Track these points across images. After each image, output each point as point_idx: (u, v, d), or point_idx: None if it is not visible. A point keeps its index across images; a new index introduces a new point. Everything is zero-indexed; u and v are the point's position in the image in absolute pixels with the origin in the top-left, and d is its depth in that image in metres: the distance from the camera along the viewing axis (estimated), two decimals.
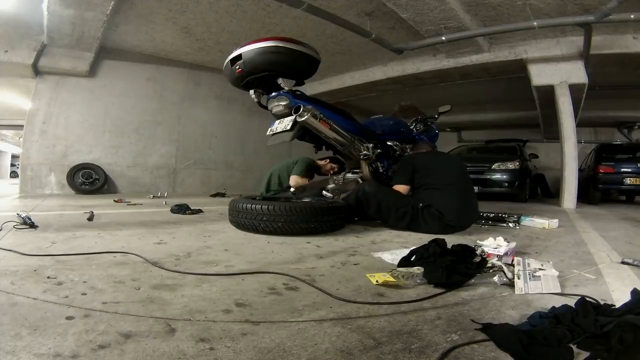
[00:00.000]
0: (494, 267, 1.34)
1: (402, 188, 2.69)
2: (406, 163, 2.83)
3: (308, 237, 2.13)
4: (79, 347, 0.73)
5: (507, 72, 6.41)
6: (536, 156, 8.55)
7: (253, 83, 2.77)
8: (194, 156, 7.34)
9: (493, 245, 1.58)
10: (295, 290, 1.16)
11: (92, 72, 6.14)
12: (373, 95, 8.32)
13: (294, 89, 2.77)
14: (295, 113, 2.54)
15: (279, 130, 2.68)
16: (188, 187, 7.19)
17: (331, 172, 3.74)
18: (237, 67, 2.63)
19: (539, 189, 9.09)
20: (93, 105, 6.27)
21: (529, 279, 1.20)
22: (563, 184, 5.68)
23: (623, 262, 1.63)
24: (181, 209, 3.35)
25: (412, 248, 1.54)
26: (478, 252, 1.43)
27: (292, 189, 3.40)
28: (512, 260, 1.36)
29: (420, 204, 2.48)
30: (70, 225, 2.40)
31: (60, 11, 4.55)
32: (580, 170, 6.27)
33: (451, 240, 1.69)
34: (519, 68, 6.01)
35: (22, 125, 6.19)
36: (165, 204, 4.10)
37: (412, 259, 1.44)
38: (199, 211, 3.41)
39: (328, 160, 3.85)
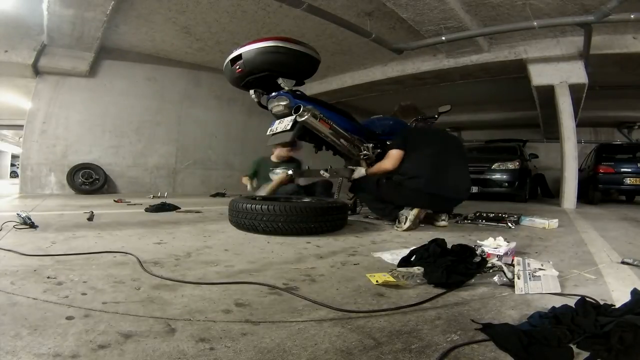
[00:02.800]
0: (494, 267, 1.34)
1: (395, 153, 2.72)
2: (402, 133, 2.96)
3: (308, 237, 2.13)
4: (79, 347, 0.73)
5: (507, 72, 6.41)
6: (536, 156, 8.55)
7: (253, 83, 2.77)
8: (194, 156, 7.34)
9: (493, 245, 1.58)
10: (296, 291, 1.16)
11: (92, 72, 6.15)
12: (373, 95, 8.33)
13: (294, 89, 2.77)
14: (295, 113, 2.54)
15: (279, 130, 2.68)
16: (188, 187, 7.19)
17: (290, 152, 3.88)
18: (237, 67, 2.63)
19: (539, 189, 9.09)
20: (93, 105, 6.27)
21: (529, 279, 1.20)
22: (563, 184, 5.68)
23: (623, 262, 1.63)
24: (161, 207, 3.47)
25: (412, 248, 1.54)
26: (478, 252, 1.43)
27: (290, 171, 3.53)
28: (512, 260, 1.36)
29: (385, 178, 2.56)
30: (70, 225, 2.40)
31: (60, 11, 4.55)
32: (580, 170, 6.27)
33: (451, 240, 1.69)
34: (519, 68, 6.01)
35: (22, 125, 6.19)
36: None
37: (412, 259, 1.44)
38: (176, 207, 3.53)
39: (280, 147, 3.88)
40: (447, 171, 2.61)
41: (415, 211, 2.52)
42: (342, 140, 2.87)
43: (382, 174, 2.76)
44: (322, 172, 2.99)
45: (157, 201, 3.95)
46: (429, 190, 2.46)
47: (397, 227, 2.57)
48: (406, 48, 5.57)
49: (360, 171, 2.92)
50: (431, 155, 2.58)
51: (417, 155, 2.58)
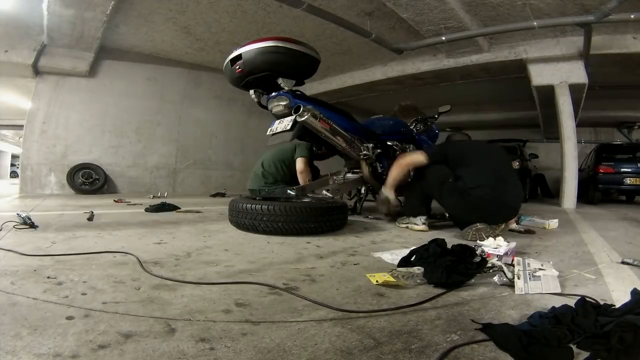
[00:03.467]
0: (494, 267, 1.34)
1: (421, 156, 2.56)
2: (442, 148, 2.77)
3: (308, 237, 2.13)
4: (79, 347, 0.73)
5: (507, 72, 6.41)
6: (536, 156, 8.54)
7: (253, 83, 2.77)
8: (194, 156, 7.34)
9: (493, 245, 1.58)
10: (296, 291, 1.16)
11: (92, 72, 6.14)
12: (373, 95, 8.32)
13: (294, 89, 2.77)
14: (295, 113, 2.54)
15: (279, 130, 2.68)
16: (188, 187, 7.19)
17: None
18: (237, 67, 2.63)
19: (539, 189, 9.09)
20: (93, 105, 6.27)
21: (529, 279, 1.20)
22: (563, 184, 5.68)
23: (623, 262, 1.63)
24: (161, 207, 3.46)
25: (412, 248, 1.54)
26: (478, 252, 1.43)
27: (291, 190, 3.34)
28: (512, 260, 1.36)
29: (451, 178, 2.42)
30: (70, 225, 2.40)
31: (60, 11, 4.55)
32: (580, 170, 6.27)
33: (451, 240, 1.69)
34: (519, 68, 6.01)
35: (22, 125, 6.19)
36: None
37: (412, 259, 1.44)
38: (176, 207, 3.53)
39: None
40: (507, 180, 2.47)
41: (422, 227, 2.52)
42: (341, 140, 2.87)
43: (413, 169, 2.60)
44: (324, 192, 2.97)
45: (157, 201, 3.95)
46: (496, 198, 2.30)
47: (400, 224, 2.61)
48: (406, 48, 5.57)
49: (385, 192, 2.75)
50: (490, 166, 2.46)
51: (476, 167, 2.44)
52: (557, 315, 0.88)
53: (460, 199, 2.32)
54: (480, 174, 2.38)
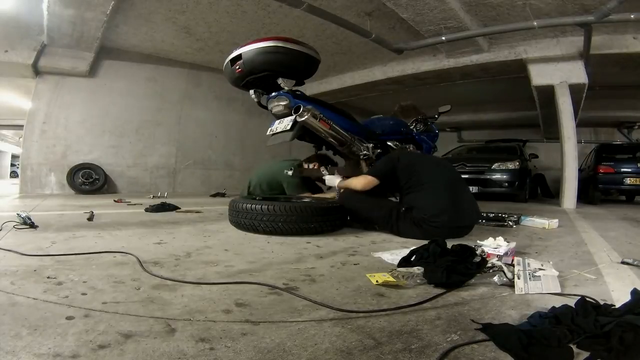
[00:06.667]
0: (494, 267, 1.34)
1: (369, 179, 2.43)
2: (388, 159, 2.57)
3: (308, 237, 2.13)
4: (79, 347, 0.73)
5: (507, 72, 6.41)
6: (536, 156, 8.54)
7: (253, 83, 2.77)
8: (194, 156, 7.34)
9: (493, 245, 1.58)
10: (296, 291, 1.16)
11: (92, 72, 6.14)
12: (373, 95, 8.33)
13: (294, 89, 2.77)
14: (295, 113, 2.54)
15: (279, 130, 2.68)
16: (188, 187, 7.19)
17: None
18: (237, 67, 2.63)
19: (539, 189, 9.09)
20: (93, 105, 6.27)
21: (529, 279, 1.20)
22: (563, 184, 5.68)
23: (623, 262, 1.63)
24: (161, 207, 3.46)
25: (412, 248, 1.54)
26: (478, 252, 1.43)
27: (289, 171, 3.26)
28: (512, 260, 1.36)
29: (403, 208, 2.28)
30: (70, 225, 2.40)
31: (60, 11, 4.55)
32: (580, 170, 6.27)
33: (451, 240, 1.69)
34: (519, 68, 6.01)
35: (22, 125, 6.20)
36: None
37: (412, 259, 1.44)
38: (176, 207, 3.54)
39: (316, 165, 3.40)
40: (462, 200, 2.36)
41: None
42: (341, 140, 2.87)
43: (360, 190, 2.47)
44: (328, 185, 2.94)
45: (157, 201, 3.95)
46: (453, 225, 2.24)
47: None
48: (406, 48, 5.57)
49: (332, 180, 2.77)
50: (445, 187, 2.32)
51: (430, 190, 2.30)
52: (557, 315, 0.88)
53: (417, 229, 2.20)
54: (435, 198, 2.24)
